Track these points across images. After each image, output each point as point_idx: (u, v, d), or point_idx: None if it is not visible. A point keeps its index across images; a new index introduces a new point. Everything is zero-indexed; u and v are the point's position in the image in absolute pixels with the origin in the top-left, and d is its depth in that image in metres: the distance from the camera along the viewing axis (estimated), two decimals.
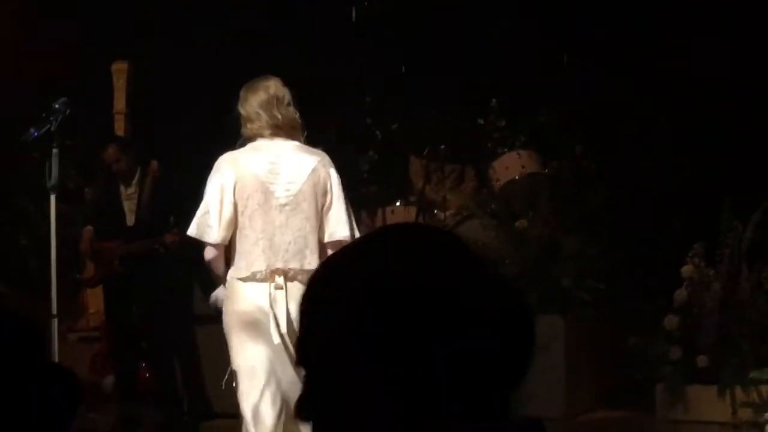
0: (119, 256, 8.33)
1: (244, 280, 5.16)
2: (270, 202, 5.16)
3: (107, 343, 8.64)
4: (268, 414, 5.15)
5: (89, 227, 8.42)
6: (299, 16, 9.93)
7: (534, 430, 1.53)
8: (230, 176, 5.16)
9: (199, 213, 5.19)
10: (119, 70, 9.48)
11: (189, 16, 9.97)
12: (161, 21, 9.99)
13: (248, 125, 5.20)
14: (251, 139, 5.22)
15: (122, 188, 8.37)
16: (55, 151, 5.37)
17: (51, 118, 5.46)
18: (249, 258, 5.16)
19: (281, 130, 5.19)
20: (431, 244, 1.53)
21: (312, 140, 5.46)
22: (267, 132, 5.19)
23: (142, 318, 8.48)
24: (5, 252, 9.69)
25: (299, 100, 5.28)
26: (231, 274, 5.21)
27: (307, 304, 1.53)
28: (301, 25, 9.85)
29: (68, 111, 5.53)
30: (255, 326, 5.14)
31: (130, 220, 8.39)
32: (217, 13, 9.98)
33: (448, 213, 8.71)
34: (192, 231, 5.20)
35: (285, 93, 5.21)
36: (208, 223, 5.15)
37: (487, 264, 1.54)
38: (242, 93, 5.23)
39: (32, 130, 5.44)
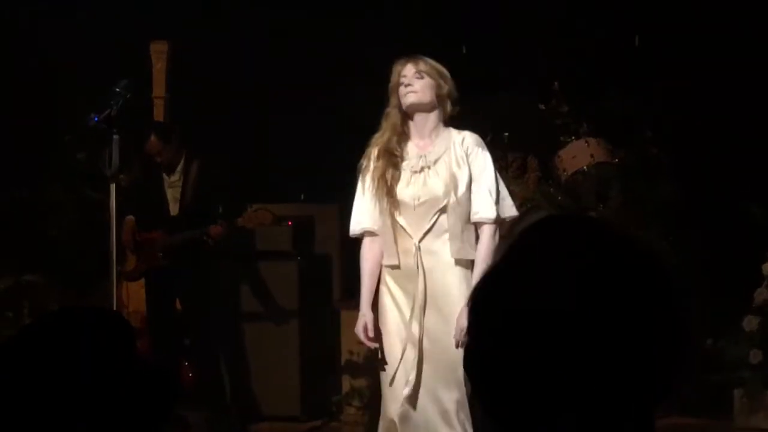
0: (162, 248, 7.82)
1: None
2: None
3: (148, 339, 8.11)
4: None
5: (131, 217, 7.87)
6: None
7: None
8: None
9: None
10: (158, 51, 8.86)
11: None
12: None
13: None
14: None
15: (165, 176, 7.87)
16: (115, 137, 4.84)
17: (111, 102, 4.95)
18: None
19: None
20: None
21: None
22: None
23: (185, 314, 7.96)
24: (35, 242, 9.19)
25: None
26: None
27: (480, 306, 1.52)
28: (353, 3, 9.33)
29: (129, 94, 5.03)
30: None
31: (174, 209, 7.87)
32: None
33: None
34: None
35: None
36: None
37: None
38: None
39: (92, 115, 4.92)
